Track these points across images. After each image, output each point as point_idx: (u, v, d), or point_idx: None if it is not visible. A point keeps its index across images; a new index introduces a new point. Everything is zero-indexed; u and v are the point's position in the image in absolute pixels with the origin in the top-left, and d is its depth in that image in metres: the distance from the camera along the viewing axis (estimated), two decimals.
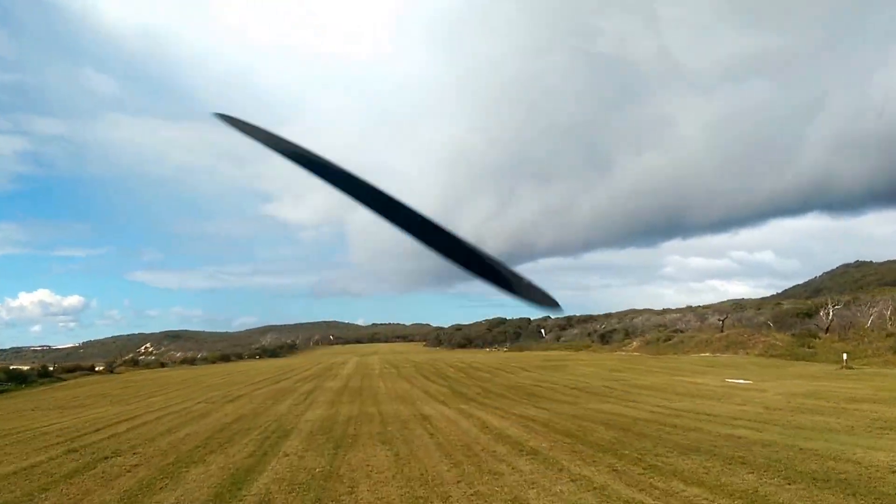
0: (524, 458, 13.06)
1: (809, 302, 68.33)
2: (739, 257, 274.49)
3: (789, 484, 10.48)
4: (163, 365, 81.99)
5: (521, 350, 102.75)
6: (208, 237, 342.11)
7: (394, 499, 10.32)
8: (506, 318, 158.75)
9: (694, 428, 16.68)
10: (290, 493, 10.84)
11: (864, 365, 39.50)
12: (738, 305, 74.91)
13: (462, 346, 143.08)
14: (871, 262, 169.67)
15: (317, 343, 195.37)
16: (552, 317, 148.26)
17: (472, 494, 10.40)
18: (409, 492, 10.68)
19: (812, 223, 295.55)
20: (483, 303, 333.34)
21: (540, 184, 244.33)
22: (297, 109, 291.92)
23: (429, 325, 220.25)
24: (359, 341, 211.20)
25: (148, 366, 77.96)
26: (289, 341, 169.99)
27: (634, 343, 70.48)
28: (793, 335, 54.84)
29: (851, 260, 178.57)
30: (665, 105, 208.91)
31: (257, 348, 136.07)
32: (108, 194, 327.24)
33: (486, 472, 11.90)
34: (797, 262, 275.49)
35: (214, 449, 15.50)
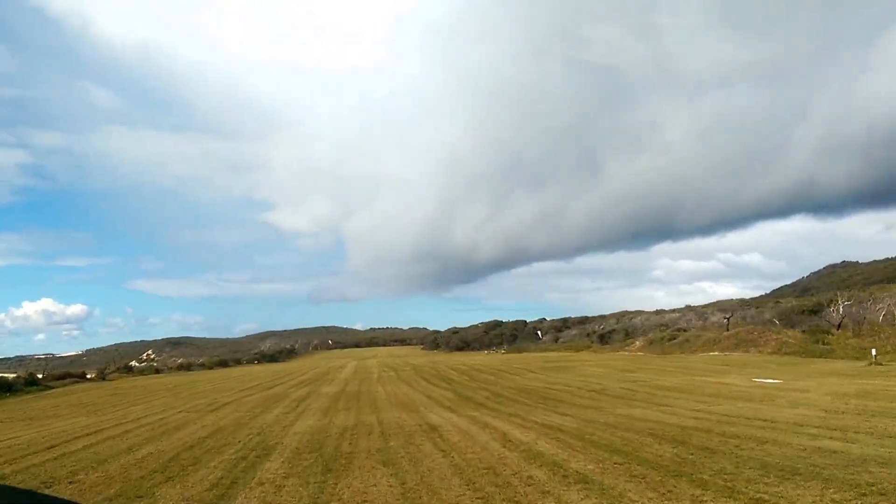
0: (574, 487, 9.52)
1: (814, 299, 65.05)
2: (727, 259, 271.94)
3: None
4: (158, 371, 78.04)
5: (519, 352, 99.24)
6: (207, 245, 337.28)
7: None
8: (502, 321, 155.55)
9: (764, 439, 13.19)
10: None
11: (890, 361, 36.12)
12: (745, 303, 71.65)
13: (459, 348, 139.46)
14: (857, 262, 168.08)
15: (315, 348, 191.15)
16: (547, 319, 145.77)
17: None
18: None
19: (798, 225, 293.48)
20: (478, 306, 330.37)
21: (533, 189, 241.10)
22: (295, 117, 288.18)
23: (426, 328, 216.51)
24: (357, 345, 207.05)
25: (142, 372, 74.04)
26: (288, 346, 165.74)
27: (637, 343, 67.00)
28: (803, 332, 51.48)
29: (836, 261, 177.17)
30: (654, 110, 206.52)
31: (256, 353, 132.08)
32: (109, 205, 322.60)
33: None
34: (783, 263, 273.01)
35: (173, 475, 11.92)
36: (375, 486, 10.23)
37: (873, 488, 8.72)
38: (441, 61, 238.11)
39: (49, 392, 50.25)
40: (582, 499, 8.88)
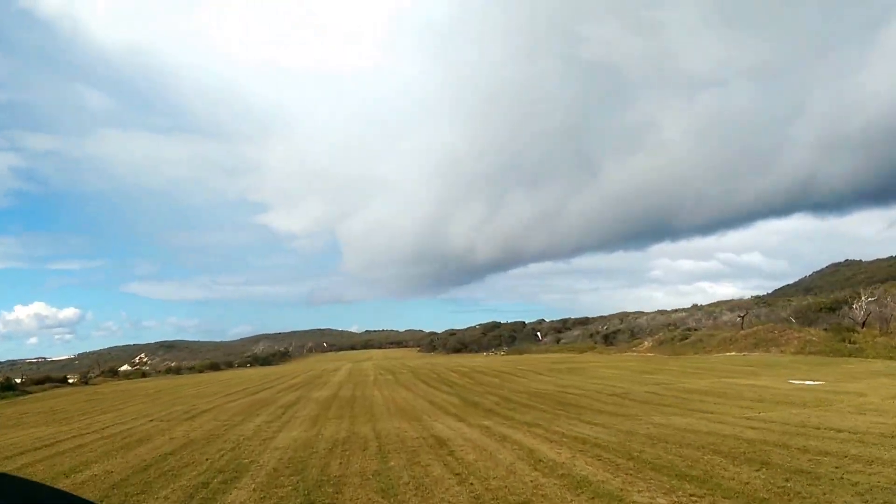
0: None
1: (831, 296, 62.45)
2: (727, 259, 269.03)
3: None
4: (145, 375, 74.96)
5: (519, 353, 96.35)
6: (201, 248, 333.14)
7: None
8: (500, 322, 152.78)
9: (861, 457, 10.47)
10: None
11: None
12: (760, 300, 69.03)
13: (457, 350, 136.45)
14: (860, 260, 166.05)
15: (310, 350, 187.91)
16: (546, 320, 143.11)
17: None
18: None
19: (798, 224, 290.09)
20: (475, 308, 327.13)
21: (531, 189, 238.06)
22: (289, 119, 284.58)
23: (422, 330, 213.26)
24: (353, 348, 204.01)
25: (128, 376, 70.98)
26: (281, 349, 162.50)
27: (646, 343, 64.25)
28: (825, 330, 48.80)
29: (837, 259, 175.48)
30: (652, 109, 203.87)
31: (248, 356, 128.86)
32: (103, 208, 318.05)
33: None
34: (784, 262, 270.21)
35: None
36: None
37: None
38: (438, 62, 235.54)
39: (25, 398, 47.27)
40: None
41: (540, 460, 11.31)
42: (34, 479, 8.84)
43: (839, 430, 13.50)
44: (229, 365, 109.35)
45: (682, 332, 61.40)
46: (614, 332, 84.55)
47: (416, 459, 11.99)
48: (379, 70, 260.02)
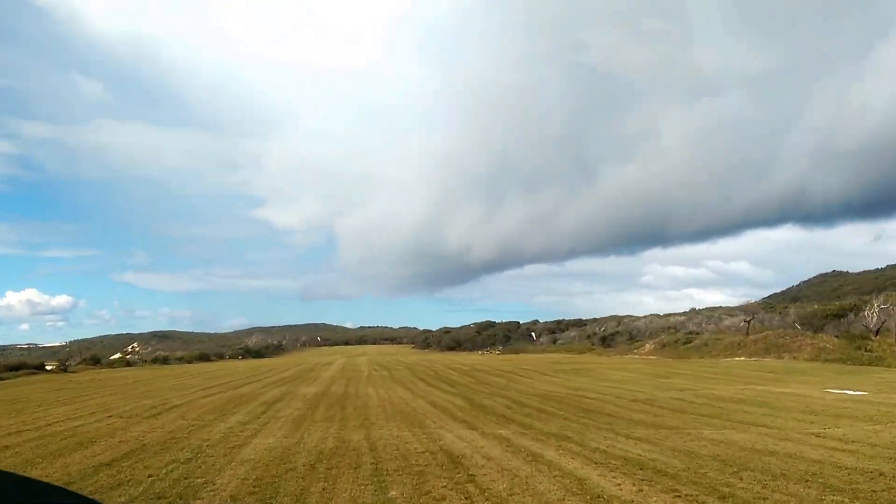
0: None
1: (836, 304, 59.60)
2: (716, 267, 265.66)
3: None
4: (129, 364, 71.26)
5: (516, 353, 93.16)
6: (197, 240, 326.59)
7: None
8: (495, 322, 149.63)
9: None
10: None
11: None
12: (768, 304, 66.15)
13: (451, 348, 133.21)
14: (847, 272, 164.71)
15: (304, 344, 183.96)
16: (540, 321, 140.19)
17: None
18: None
19: (786, 235, 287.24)
20: (469, 307, 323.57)
21: (527, 192, 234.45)
22: (289, 115, 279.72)
23: (416, 328, 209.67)
24: (347, 343, 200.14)
25: (112, 365, 67.34)
26: (275, 342, 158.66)
27: (647, 346, 61.18)
28: (836, 337, 45.89)
29: (823, 270, 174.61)
30: (649, 117, 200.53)
31: (240, 348, 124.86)
32: (98, 197, 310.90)
33: None
34: (771, 272, 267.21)
35: None
36: None
37: None
38: (438, 63, 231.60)
39: None
40: None
41: (599, 496, 8.08)
42: None
43: None
44: (220, 356, 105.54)
45: (684, 335, 58.34)
46: (612, 334, 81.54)
47: (426, 488, 8.74)
48: (380, 69, 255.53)
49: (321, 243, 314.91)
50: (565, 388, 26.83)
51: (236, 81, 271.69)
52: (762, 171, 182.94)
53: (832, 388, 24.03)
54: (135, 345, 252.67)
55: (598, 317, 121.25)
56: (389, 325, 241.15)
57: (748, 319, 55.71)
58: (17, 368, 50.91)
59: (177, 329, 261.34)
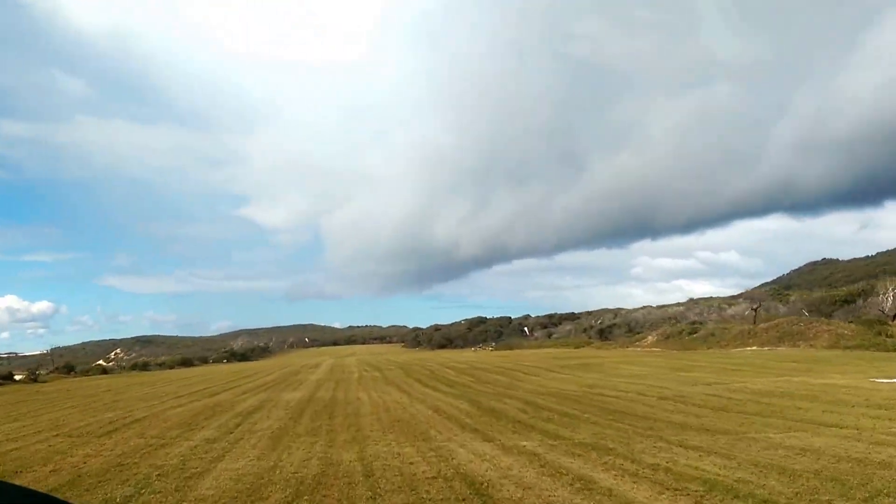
0: None
1: (844, 290, 57.69)
2: (705, 257, 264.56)
3: None
4: (105, 371, 67.92)
5: (510, 348, 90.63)
6: (181, 241, 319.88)
7: None
8: (486, 318, 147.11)
9: None
10: None
11: None
12: (776, 291, 64.12)
13: (442, 346, 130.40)
14: (837, 259, 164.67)
15: (291, 346, 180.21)
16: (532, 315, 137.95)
17: None
18: None
19: (774, 224, 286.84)
20: (459, 303, 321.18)
21: (515, 186, 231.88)
22: (274, 112, 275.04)
23: (406, 326, 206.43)
24: (335, 343, 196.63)
25: (87, 373, 64.05)
26: (261, 344, 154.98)
27: (650, 338, 58.90)
28: (850, 323, 43.80)
29: (811, 259, 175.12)
30: (636, 109, 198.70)
31: (225, 351, 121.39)
32: (79, 198, 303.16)
33: None
34: (760, 261, 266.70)
35: None
36: None
37: None
38: (424, 58, 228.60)
39: None
40: None
41: None
42: None
43: None
44: (204, 360, 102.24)
45: (689, 325, 56.09)
46: (609, 327, 79.33)
47: None
48: (365, 64, 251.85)
49: (308, 242, 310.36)
50: (578, 385, 24.30)
51: (220, 78, 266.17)
52: (749, 161, 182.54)
53: (881, 378, 21.70)
54: (118, 351, 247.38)
55: (590, 310, 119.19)
56: (379, 325, 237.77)
57: (755, 307, 53.56)
58: None
59: (161, 333, 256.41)
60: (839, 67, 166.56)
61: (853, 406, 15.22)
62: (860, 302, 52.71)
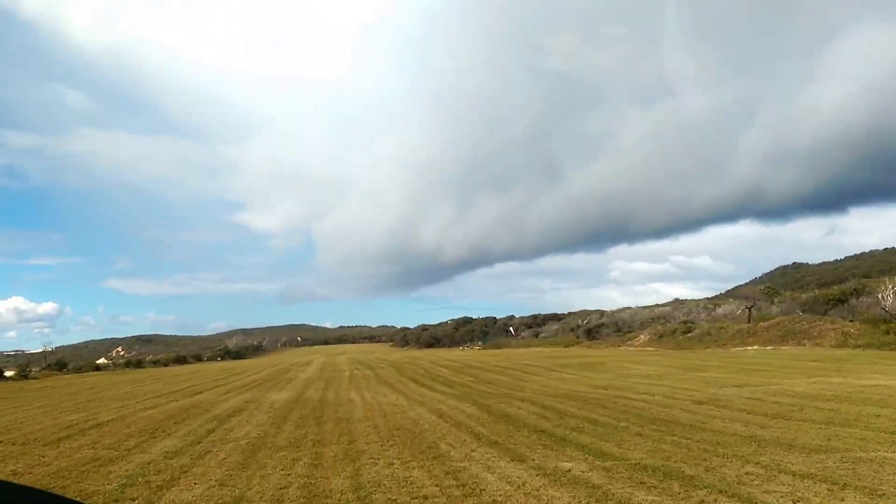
0: None
1: (836, 288, 55.16)
2: (679, 262, 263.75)
3: None
4: (98, 369, 63.98)
5: (498, 347, 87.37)
6: (180, 245, 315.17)
7: None
8: (472, 318, 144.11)
9: None
10: None
11: None
12: (771, 289, 61.61)
13: (430, 345, 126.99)
14: (807, 263, 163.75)
15: (284, 345, 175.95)
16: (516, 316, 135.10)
17: None
18: None
19: (744, 230, 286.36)
20: (445, 305, 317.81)
21: (497, 192, 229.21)
22: (266, 122, 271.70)
23: (394, 326, 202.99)
24: (326, 342, 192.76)
25: (80, 370, 60.17)
26: (255, 343, 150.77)
27: (642, 337, 56.01)
28: (853, 321, 41.15)
29: (781, 263, 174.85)
30: (610, 118, 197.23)
31: (220, 350, 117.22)
32: (81, 205, 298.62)
33: None
34: (732, 265, 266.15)
35: None
36: None
37: None
38: (410, 70, 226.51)
39: None
40: None
41: None
42: None
43: None
44: (198, 358, 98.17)
45: (682, 325, 53.27)
46: (597, 327, 76.45)
47: None
48: (352, 77, 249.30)
49: (300, 246, 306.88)
50: (589, 386, 21.21)
51: (215, 91, 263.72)
52: (719, 169, 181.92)
53: None
54: (119, 349, 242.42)
55: (572, 311, 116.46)
56: (368, 325, 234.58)
57: (749, 307, 50.85)
58: None
59: (161, 333, 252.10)
60: (803, 79, 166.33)
61: None
62: (853, 301, 50.29)
